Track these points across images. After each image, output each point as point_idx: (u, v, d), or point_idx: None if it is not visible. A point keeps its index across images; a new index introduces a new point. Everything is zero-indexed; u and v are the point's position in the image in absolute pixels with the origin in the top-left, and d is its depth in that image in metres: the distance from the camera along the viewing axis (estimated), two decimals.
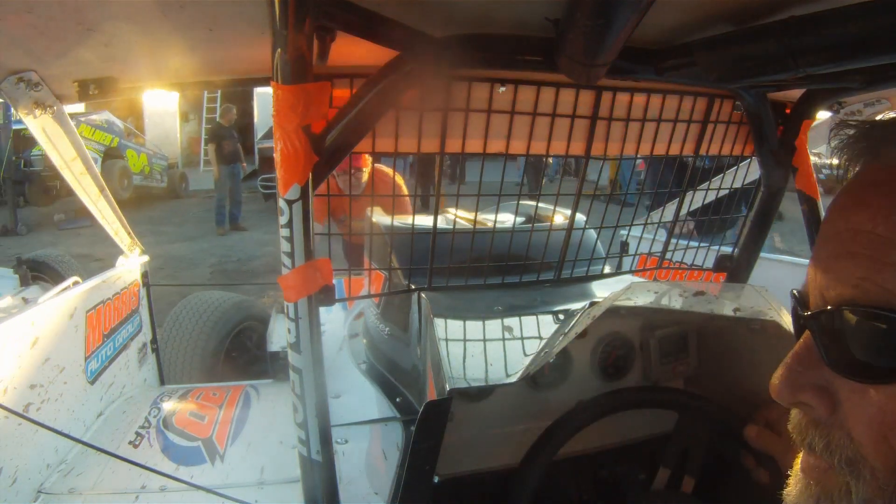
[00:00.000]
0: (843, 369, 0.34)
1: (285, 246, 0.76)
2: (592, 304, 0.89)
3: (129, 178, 9.35)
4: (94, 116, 8.95)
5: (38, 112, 1.14)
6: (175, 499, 1.20)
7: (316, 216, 0.78)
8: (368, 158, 2.60)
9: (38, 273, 3.54)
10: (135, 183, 9.50)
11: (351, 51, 0.82)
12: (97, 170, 1.49)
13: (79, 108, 9.12)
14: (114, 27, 0.83)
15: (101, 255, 4.23)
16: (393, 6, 0.74)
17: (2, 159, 7.88)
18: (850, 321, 0.33)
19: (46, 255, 3.87)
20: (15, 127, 8.03)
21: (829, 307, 0.34)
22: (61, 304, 1.37)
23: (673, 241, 1.44)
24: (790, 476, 0.41)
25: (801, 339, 0.38)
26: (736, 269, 1.37)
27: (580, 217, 1.33)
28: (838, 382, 0.35)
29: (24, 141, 8.24)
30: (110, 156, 9.06)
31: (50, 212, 8.50)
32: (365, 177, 2.77)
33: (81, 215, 8.22)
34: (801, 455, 0.40)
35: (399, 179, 2.79)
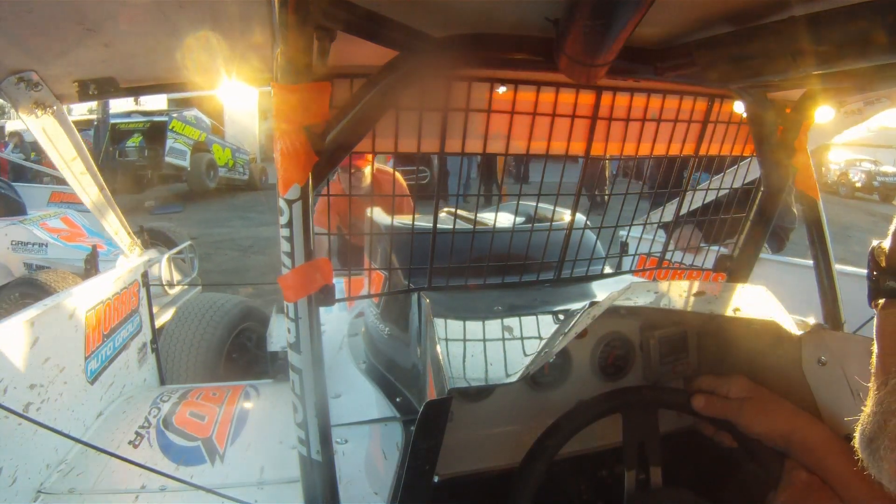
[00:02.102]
0: None
1: (285, 246, 0.76)
2: (592, 304, 0.89)
3: (214, 170, 10.12)
4: (185, 113, 9.75)
5: (38, 112, 1.14)
6: (175, 499, 1.20)
7: (321, 220, 0.77)
8: (369, 157, 2.59)
9: (155, 240, 4.22)
10: (220, 175, 10.29)
11: (351, 51, 0.82)
12: (96, 170, 1.49)
13: (159, 103, 10.33)
14: (114, 27, 0.83)
15: (195, 234, 4.80)
16: (393, 6, 0.74)
17: (100, 150, 8.59)
18: None
19: (161, 226, 4.74)
20: (112, 121, 9.03)
21: None
22: (61, 303, 1.37)
23: (679, 253, 1.44)
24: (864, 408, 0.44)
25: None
26: (736, 269, 1.37)
27: (580, 217, 1.33)
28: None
29: (120, 133, 9.26)
30: (198, 149, 9.81)
31: (142, 199, 9.27)
32: (367, 177, 2.75)
33: (171, 202, 9.46)
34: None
35: (400, 178, 2.78)
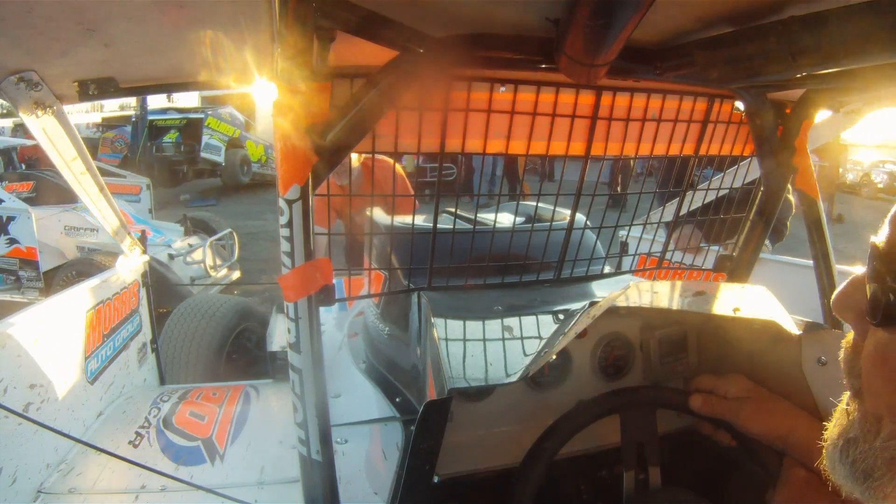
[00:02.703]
0: (868, 306, 0.36)
1: (285, 246, 0.76)
2: (592, 304, 0.89)
3: (248, 166, 10.41)
4: (220, 110, 10.17)
5: (38, 112, 1.14)
6: (175, 499, 1.20)
7: (319, 219, 0.78)
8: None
9: (196, 227, 4.87)
10: (253, 170, 10.59)
11: (351, 51, 0.82)
12: (96, 170, 1.49)
13: (192, 100, 10.88)
14: (114, 27, 0.83)
15: (231, 226, 5.11)
16: (393, 6, 0.74)
17: (138, 145, 9.18)
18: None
19: (202, 215, 5.31)
20: (150, 118, 9.50)
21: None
22: (61, 303, 1.37)
23: (679, 253, 1.44)
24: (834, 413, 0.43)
25: (866, 268, 0.39)
26: (736, 269, 1.37)
27: (580, 217, 1.33)
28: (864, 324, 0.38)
29: (157, 129, 9.73)
30: (233, 145, 10.13)
31: (177, 192, 9.59)
32: (354, 163, 2.60)
33: (205, 196, 9.80)
34: (844, 397, 0.42)
35: (399, 169, 2.74)
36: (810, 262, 1.29)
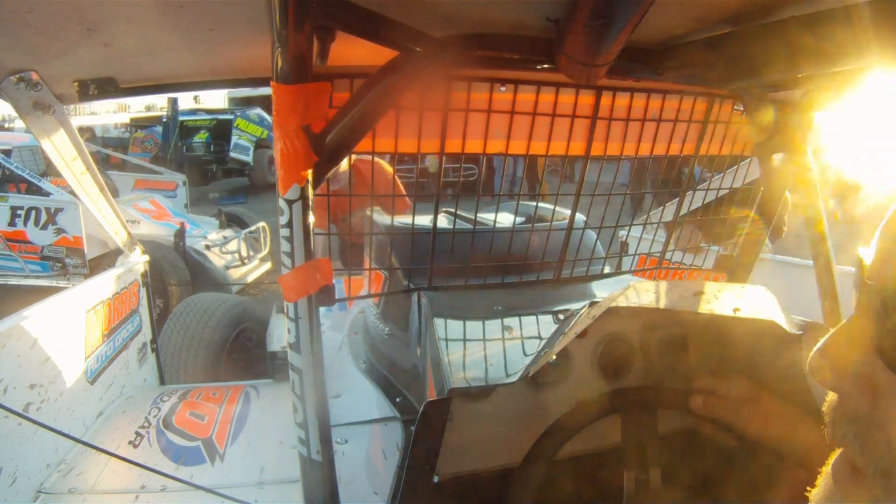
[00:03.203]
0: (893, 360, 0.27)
1: (285, 246, 0.76)
2: (592, 304, 0.88)
3: (275, 165, 10.99)
4: (248, 111, 10.53)
5: (38, 112, 1.14)
6: (175, 499, 1.20)
7: (319, 222, 0.78)
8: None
9: (230, 221, 5.41)
10: None
11: (351, 51, 0.82)
12: (96, 170, 1.49)
13: (219, 101, 11.42)
14: (114, 27, 0.83)
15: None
16: (393, 6, 0.74)
17: (169, 145, 9.55)
18: None
19: (236, 210, 5.99)
20: (181, 118, 10.00)
21: None
22: (61, 304, 1.37)
23: (679, 253, 1.44)
24: (819, 475, 0.35)
25: (856, 313, 0.31)
26: (736, 269, 1.37)
27: (580, 217, 1.33)
28: (885, 375, 0.28)
29: (188, 130, 10.16)
30: (261, 146, 10.44)
31: (206, 190, 9.94)
32: (342, 167, 2.67)
33: (234, 194, 10.12)
34: (833, 454, 0.34)
35: (387, 167, 2.73)
36: (810, 262, 1.29)
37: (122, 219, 1.69)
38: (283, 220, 0.74)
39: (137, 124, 10.89)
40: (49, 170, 5.31)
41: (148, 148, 10.23)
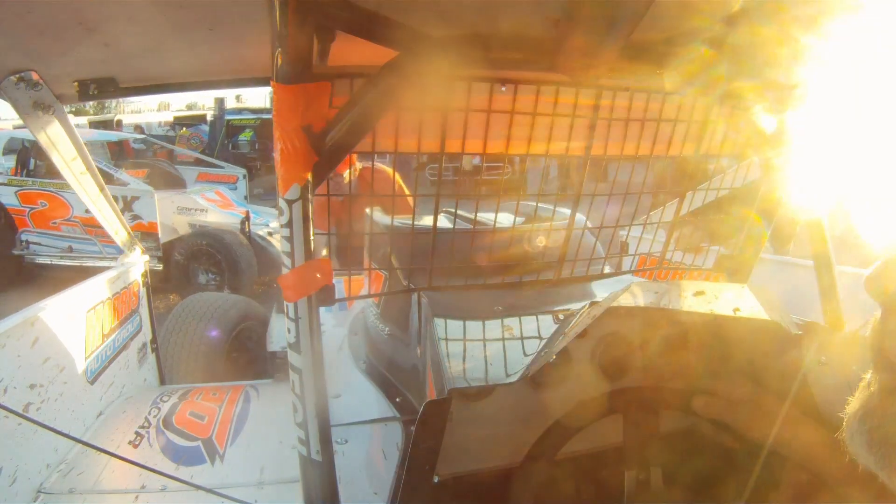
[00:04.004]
0: None
1: (285, 246, 0.76)
2: (592, 304, 0.88)
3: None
4: None
5: (38, 112, 1.14)
6: (175, 499, 1.20)
7: (320, 224, 0.78)
8: (354, 159, 2.49)
9: None
10: None
11: (351, 51, 0.82)
12: (96, 169, 1.49)
13: (260, 100, 12.04)
14: (114, 27, 0.83)
15: None
16: (393, 6, 0.74)
17: (216, 143, 10.08)
18: None
19: None
20: (227, 117, 10.67)
21: None
22: (61, 303, 1.37)
23: (679, 253, 1.44)
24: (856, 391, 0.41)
25: None
26: (736, 269, 1.37)
27: (580, 217, 1.33)
28: None
29: (233, 128, 10.78)
30: None
31: (251, 187, 10.49)
32: (346, 179, 2.65)
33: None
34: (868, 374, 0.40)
35: (398, 179, 2.75)
36: (810, 262, 1.29)
37: (123, 219, 1.69)
38: (283, 219, 0.75)
39: (181, 122, 11.41)
40: (121, 163, 5.90)
41: (193, 145, 10.63)
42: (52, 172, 5.27)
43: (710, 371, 1.07)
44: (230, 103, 11.46)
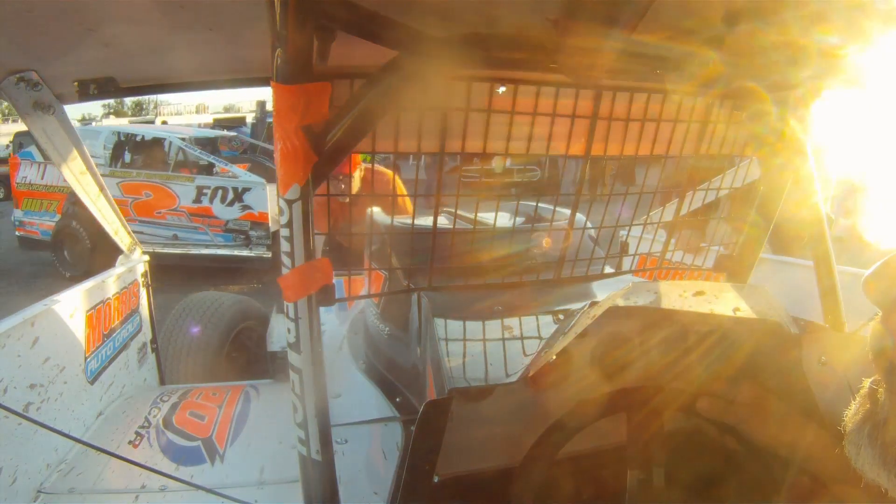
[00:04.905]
0: None
1: (285, 246, 0.76)
2: (592, 304, 0.88)
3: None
4: None
5: (38, 112, 1.14)
6: (175, 499, 1.20)
7: (320, 226, 0.77)
8: (358, 161, 2.48)
9: None
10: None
11: (351, 51, 0.82)
12: (96, 169, 1.49)
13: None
14: (114, 27, 0.83)
15: None
16: (393, 6, 0.74)
17: (256, 145, 10.20)
18: None
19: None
20: (269, 121, 10.44)
21: None
22: (61, 304, 1.37)
23: (679, 253, 1.44)
24: (856, 398, 0.41)
25: None
26: (736, 269, 1.37)
27: (580, 217, 1.33)
28: None
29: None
30: None
31: None
32: (357, 182, 2.64)
33: None
34: (869, 381, 0.40)
35: (398, 181, 2.75)
36: (810, 262, 1.29)
37: (123, 219, 1.69)
38: (283, 220, 0.74)
39: (221, 124, 11.42)
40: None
41: (235, 147, 10.67)
42: (149, 164, 5.55)
43: (710, 371, 1.07)
44: (270, 106, 11.72)
